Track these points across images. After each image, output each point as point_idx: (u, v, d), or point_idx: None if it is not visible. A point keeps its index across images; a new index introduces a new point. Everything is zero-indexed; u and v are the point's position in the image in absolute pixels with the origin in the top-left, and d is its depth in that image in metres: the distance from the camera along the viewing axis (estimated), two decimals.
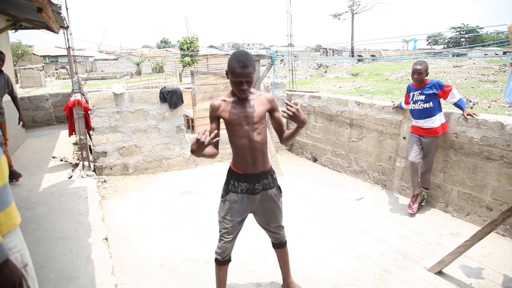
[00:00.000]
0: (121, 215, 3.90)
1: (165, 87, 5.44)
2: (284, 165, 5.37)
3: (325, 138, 5.61)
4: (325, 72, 26.24)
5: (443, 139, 3.73)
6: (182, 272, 2.81)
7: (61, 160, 5.60)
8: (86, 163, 5.08)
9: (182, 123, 5.50)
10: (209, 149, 1.97)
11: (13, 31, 6.32)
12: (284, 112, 1.93)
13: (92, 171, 5.08)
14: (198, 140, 1.79)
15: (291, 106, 1.91)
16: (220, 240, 2.18)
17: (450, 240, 3.19)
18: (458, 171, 3.66)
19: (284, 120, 2.16)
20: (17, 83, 19.48)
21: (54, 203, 3.82)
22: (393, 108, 4.30)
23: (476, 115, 3.44)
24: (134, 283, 2.68)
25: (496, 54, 32.94)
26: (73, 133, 5.66)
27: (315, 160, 5.90)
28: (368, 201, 4.22)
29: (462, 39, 53.38)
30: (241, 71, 1.86)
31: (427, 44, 63.69)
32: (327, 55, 46.57)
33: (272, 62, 5.67)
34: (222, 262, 2.22)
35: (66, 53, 5.23)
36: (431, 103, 3.57)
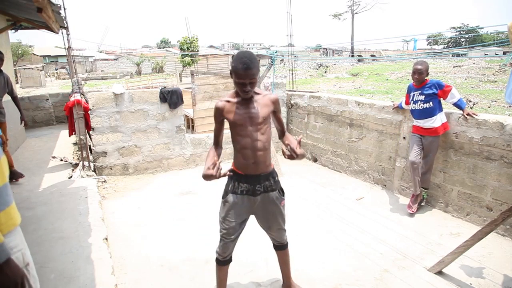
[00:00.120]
0: (121, 215, 3.90)
1: (165, 87, 5.44)
2: (284, 165, 5.36)
3: (325, 138, 5.61)
4: (325, 72, 26.24)
5: (443, 139, 3.73)
6: (182, 272, 2.81)
7: (61, 160, 5.60)
8: (86, 163, 5.08)
9: (182, 123, 5.50)
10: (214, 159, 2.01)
11: (13, 31, 6.32)
12: (283, 154, 1.95)
13: (92, 171, 5.08)
14: (210, 176, 1.82)
15: (286, 150, 1.91)
16: (220, 240, 2.18)
17: (450, 240, 3.19)
18: (458, 171, 3.66)
19: (284, 121, 2.16)
20: (17, 83, 19.48)
21: (54, 203, 3.82)
22: (393, 109, 4.30)
23: (476, 115, 3.44)
24: (134, 283, 2.68)
25: (496, 54, 32.94)
26: (73, 133, 5.66)
27: (315, 160, 5.90)
28: (368, 201, 4.22)
29: (462, 39, 53.38)
30: (244, 73, 1.85)
31: (427, 44, 63.72)
32: (327, 55, 46.57)
33: (272, 62, 5.68)
34: (223, 262, 2.22)
35: (66, 53, 5.23)
36: (431, 103, 3.57)
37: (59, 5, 4.33)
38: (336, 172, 5.40)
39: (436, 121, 3.59)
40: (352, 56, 38.81)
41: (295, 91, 6.59)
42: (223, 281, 2.30)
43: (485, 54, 28.86)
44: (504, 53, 31.04)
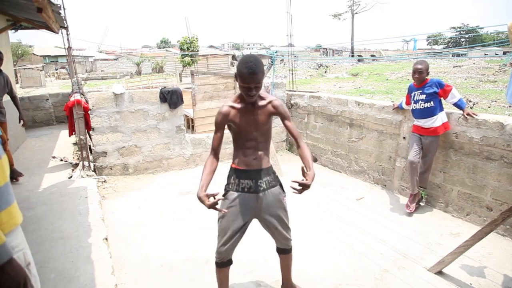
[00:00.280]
0: (121, 215, 3.90)
1: (165, 87, 5.44)
2: (284, 165, 5.36)
3: (325, 138, 5.62)
4: (325, 72, 26.23)
5: (443, 139, 3.73)
6: (182, 272, 2.81)
7: (61, 160, 5.60)
8: (86, 163, 5.08)
9: (182, 123, 5.50)
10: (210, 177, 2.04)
11: (13, 31, 6.32)
12: (295, 192, 1.90)
13: (92, 171, 5.08)
14: (203, 202, 1.88)
15: (297, 186, 1.88)
16: (218, 242, 2.12)
17: (450, 240, 3.19)
18: (458, 171, 3.66)
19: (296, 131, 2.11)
20: (17, 83, 19.47)
21: (54, 203, 3.82)
22: (393, 109, 4.31)
23: (476, 115, 3.44)
24: (134, 283, 2.68)
25: (496, 54, 32.94)
26: (73, 133, 5.66)
27: (315, 160, 5.90)
28: (368, 201, 4.22)
29: (462, 39, 53.39)
30: (249, 77, 1.84)
31: (427, 44, 63.71)
32: (327, 55, 46.57)
33: (272, 62, 5.68)
34: (221, 264, 2.16)
35: (66, 53, 5.23)
36: (432, 102, 3.57)
37: (59, 5, 4.33)
38: (336, 172, 5.40)
39: (436, 121, 3.59)
40: (352, 56, 38.81)
41: (295, 91, 6.59)
42: (224, 283, 2.23)
43: (485, 54, 28.87)
44: (504, 53, 31.05)
